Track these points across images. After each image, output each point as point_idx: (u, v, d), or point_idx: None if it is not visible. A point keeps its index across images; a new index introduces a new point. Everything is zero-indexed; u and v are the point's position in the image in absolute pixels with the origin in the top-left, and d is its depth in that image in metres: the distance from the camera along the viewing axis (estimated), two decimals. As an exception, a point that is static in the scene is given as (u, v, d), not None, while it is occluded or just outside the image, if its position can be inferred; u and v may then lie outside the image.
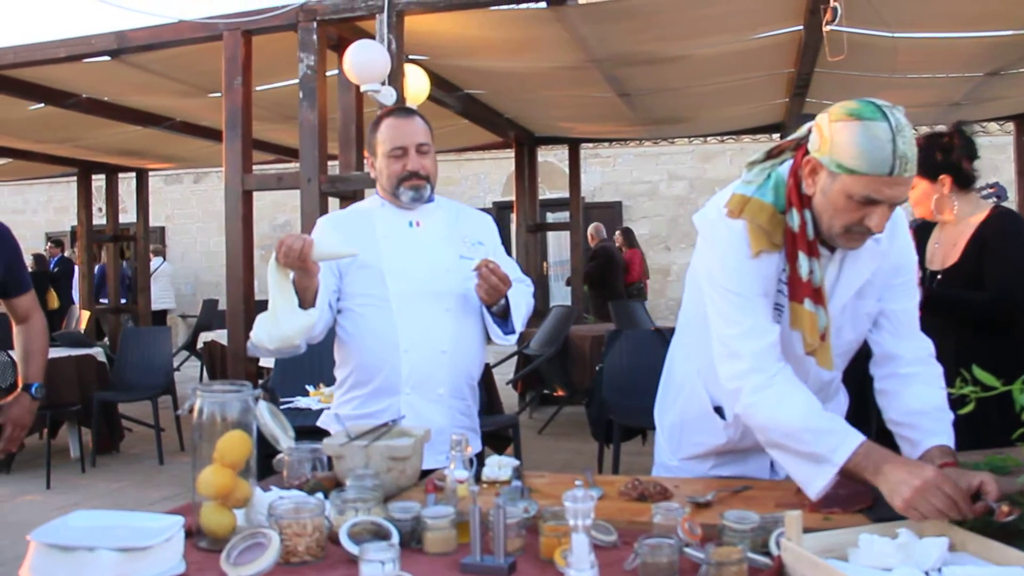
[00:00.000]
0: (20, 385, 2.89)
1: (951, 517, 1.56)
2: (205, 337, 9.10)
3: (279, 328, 2.22)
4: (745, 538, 1.52)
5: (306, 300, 2.27)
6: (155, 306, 11.67)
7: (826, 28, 4.80)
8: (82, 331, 9.38)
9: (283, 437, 1.92)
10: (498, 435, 5.63)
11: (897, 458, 1.74)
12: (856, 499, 1.76)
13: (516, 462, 2.04)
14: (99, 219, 11.31)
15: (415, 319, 2.41)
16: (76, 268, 11.72)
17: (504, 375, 8.06)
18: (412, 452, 1.96)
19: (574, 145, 10.02)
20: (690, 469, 2.23)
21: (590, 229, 11.32)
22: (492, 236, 2.66)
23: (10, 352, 2.93)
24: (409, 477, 1.98)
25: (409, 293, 2.42)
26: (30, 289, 2.96)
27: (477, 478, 1.96)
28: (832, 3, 4.60)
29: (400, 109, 2.68)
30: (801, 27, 5.61)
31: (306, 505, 1.65)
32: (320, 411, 2.80)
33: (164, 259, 12.02)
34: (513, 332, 2.52)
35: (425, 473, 2.08)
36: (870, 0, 4.92)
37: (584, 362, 7.71)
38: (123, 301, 11.56)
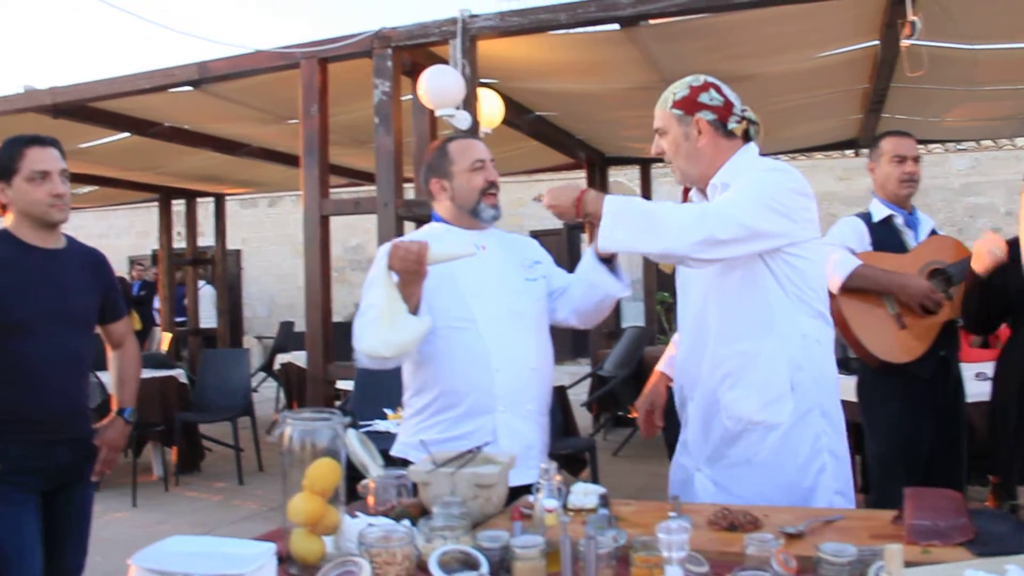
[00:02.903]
0: (114, 409, 2.98)
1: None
2: (282, 359, 9.25)
3: (398, 335, 2.22)
4: (843, 571, 1.48)
5: (411, 307, 2.28)
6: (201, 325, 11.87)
7: (904, 43, 4.70)
8: (164, 352, 9.63)
9: (372, 465, 1.94)
10: (574, 458, 5.61)
11: None
12: (957, 532, 1.71)
13: (602, 489, 2.03)
14: (178, 242, 11.61)
15: (503, 338, 2.44)
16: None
17: (578, 397, 8.03)
18: (498, 479, 1.96)
19: (645, 165, 9.97)
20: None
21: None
22: (544, 254, 2.73)
23: (97, 373, 3.01)
24: (495, 505, 1.98)
25: (493, 313, 2.46)
26: (125, 315, 3.06)
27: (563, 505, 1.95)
28: (911, 17, 4.51)
29: (458, 135, 2.74)
30: (877, 42, 5.52)
31: (395, 533, 1.65)
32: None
33: (207, 282, 12.28)
34: (626, 284, 2.58)
35: (512, 492, 2.09)
36: (949, 13, 4.82)
37: (659, 383, 7.62)
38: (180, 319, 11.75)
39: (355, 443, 1.91)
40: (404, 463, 2.35)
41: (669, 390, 2.66)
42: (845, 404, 4.31)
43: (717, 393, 2.35)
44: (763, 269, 2.28)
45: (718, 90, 2.42)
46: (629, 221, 2.21)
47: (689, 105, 2.39)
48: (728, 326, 2.34)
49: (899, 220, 3.74)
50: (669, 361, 2.68)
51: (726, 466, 2.35)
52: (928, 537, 1.70)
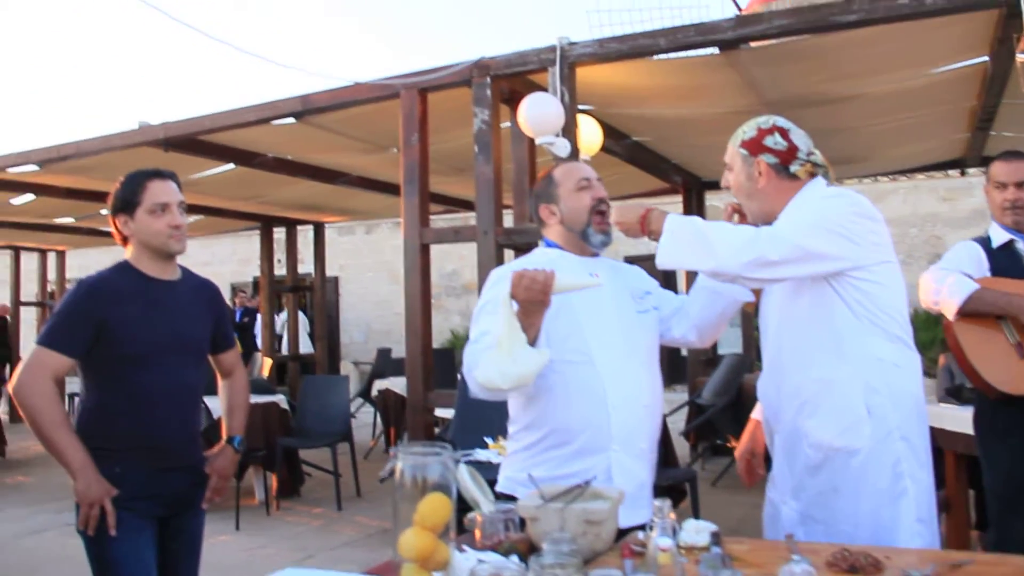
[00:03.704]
0: (224, 437, 3.04)
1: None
2: (379, 385, 9.36)
3: (517, 367, 2.16)
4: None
5: (530, 338, 2.23)
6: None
7: (1020, 58, 4.52)
8: (265, 377, 9.85)
9: (483, 500, 1.92)
10: (674, 488, 5.50)
11: None
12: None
13: (714, 527, 1.97)
14: (279, 269, 11.90)
15: (618, 375, 2.40)
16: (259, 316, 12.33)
17: (676, 425, 7.91)
18: (608, 515, 1.92)
19: (742, 189, 9.80)
20: None
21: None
22: (652, 283, 2.71)
23: (203, 398, 3.08)
24: (604, 541, 1.94)
25: (610, 348, 2.42)
26: (235, 345, 3.12)
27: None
28: (1027, 30, 4.34)
29: (564, 161, 2.73)
30: (987, 58, 5.33)
31: (506, 570, 1.64)
32: (499, 465, 2.78)
33: (282, 310, 12.55)
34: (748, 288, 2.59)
35: (621, 533, 2.04)
36: (1067, 25, 4.63)
37: (759, 411, 7.46)
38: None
39: (466, 479, 1.90)
40: (509, 498, 2.31)
41: None
42: (959, 436, 4.19)
43: (797, 422, 2.36)
44: (831, 294, 2.30)
45: (784, 134, 2.47)
46: (685, 239, 2.29)
47: (754, 146, 2.48)
48: (801, 354, 2.36)
49: (1021, 245, 3.56)
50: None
51: (810, 497, 2.33)
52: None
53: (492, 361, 2.19)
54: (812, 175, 2.47)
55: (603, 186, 2.60)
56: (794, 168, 2.45)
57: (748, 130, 2.52)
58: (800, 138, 2.49)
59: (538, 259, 2.56)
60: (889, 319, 2.30)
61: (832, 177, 2.52)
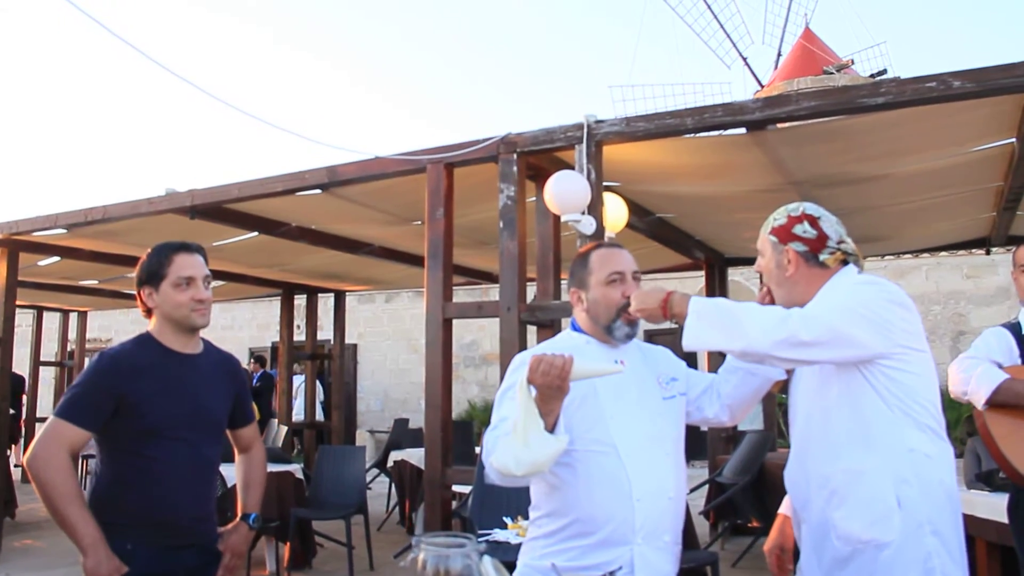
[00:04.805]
0: (239, 513, 2.98)
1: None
2: (395, 455, 9.26)
3: (531, 454, 2.13)
4: None
5: (548, 424, 2.18)
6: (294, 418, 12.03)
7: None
8: (280, 445, 9.77)
9: (510, 596, 1.85)
10: (695, 572, 5.37)
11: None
12: None
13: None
14: (298, 335, 11.89)
15: (643, 466, 2.35)
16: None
17: (696, 503, 7.76)
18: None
19: (765, 265, 9.79)
20: None
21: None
22: (680, 367, 2.65)
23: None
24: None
25: (634, 437, 2.37)
26: (254, 420, 3.09)
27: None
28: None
29: (605, 243, 2.70)
30: (1014, 139, 5.32)
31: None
32: (519, 546, 2.71)
33: (299, 374, 12.54)
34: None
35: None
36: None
37: (780, 490, 7.26)
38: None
39: (490, 570, 1.83)
40: None
41: None
42: (991, 524, 4.07)
43: (825, 513, 2.30)
44: (862, 383, 2.26)
45: (813, 223, 2.46)
46: (713, 320, 2.26)
47: (783, 234, 2.47)
48: (830, 443, 2.31)
49: None
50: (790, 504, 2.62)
51: None
52: None
53: (507, 447, 2.17)
54: (843, 263, 2.45)
55: (639, 286, 2.54)
56: (823, 257, 2.43)
57: (778, 217, 2.50)
58: (830, 226, 2.47)
59: (563, 343, 2.53)
60: (921, 408, 2.25)
61: (862, 265, 2.49)
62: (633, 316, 2.46)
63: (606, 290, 2.48)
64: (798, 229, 2.44)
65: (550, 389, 2.14)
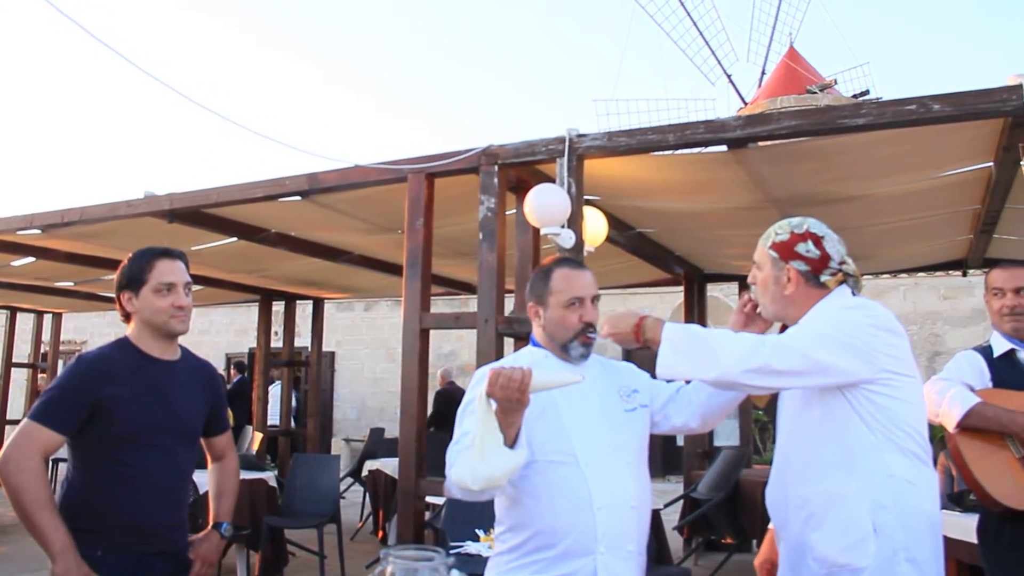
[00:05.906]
0: (211, 522, 2.95)
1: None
2: (370, 465, 9.22)
3: (487, 468, 2.12)
4: None
5: (509, 438, 2.18)
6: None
7: (1024, 166, 4.57)
8: (254, 452, 9.69)
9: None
10: (668, 588, 5.37)
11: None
12: None
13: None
14: (275, 342, 11.82)
15: (604, 475, 2.35)
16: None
17: (670, 519, 7.76)
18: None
19: (744, 282, 9.84)
20: None
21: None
22: (643, 378, 2.64)
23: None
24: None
25: (594, 448, 2.37)
26: (228, 429, 3.07)
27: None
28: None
29: (569, 260, 2.65)
30: (991, 164, 5.38)
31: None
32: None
33: (275, 380, 12.47)
34: None
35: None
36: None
37: (755, 507, 7.33)
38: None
39: (461, 586, 1.83)
40: None
41: None
42: (963, 545, 4.09)
43: (803, 534, 2.29)
44: (845, 406, 2.24)
45: (817, 242, 2.42)
46: (685, 348, 2.24)
47: (785, 251, 2.43)
48: (811, 464, 2.30)
49: (1022, 355, 3.53)
50: None
51: None
52: None
53: (466, 462, 2.16)
54: (841, 283, 2.43)
55: (597, 308, 2.53)
56: (824, 278, 2.40)
57: (780, 232, 2.47)
58: (833, 245, 2.44)
59: (523, 358, 2.52)
60: (904, 435, 2.24)
61: (861, 287, 2.47)
62: (589, 339, 2.46)
63: (564, 313, 2.47)
64: (801, 248, 2.41)
65: (510, 402, 2.14)
